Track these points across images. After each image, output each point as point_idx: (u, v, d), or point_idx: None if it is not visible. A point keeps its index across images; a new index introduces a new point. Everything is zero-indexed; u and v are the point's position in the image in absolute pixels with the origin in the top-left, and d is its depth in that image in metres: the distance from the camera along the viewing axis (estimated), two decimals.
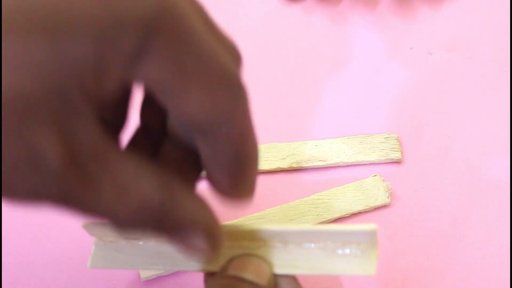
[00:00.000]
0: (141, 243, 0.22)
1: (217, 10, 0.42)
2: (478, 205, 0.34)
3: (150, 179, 0.18)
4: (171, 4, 0.16)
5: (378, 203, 0.33)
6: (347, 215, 0.33)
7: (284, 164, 0.35)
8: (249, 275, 0.21)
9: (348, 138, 0.36)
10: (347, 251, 0.22)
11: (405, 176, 0.35)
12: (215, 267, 0.23)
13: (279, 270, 0.22)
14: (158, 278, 0.31)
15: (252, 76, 0.39)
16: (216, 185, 0.21)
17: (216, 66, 0.17)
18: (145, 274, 0.31)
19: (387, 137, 0.36)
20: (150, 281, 0.32)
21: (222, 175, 0.20)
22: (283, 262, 0.22)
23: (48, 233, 0.34)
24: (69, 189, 0.16)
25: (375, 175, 0.34)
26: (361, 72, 0.39)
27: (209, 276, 0.23)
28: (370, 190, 0.34)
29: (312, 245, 0.22)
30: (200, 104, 0.17)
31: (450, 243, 0.33)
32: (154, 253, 0.23)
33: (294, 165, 0.35)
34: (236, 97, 0.18)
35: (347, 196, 0.34)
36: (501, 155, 0.35)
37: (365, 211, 0.33)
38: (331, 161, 0.35)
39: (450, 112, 0.37)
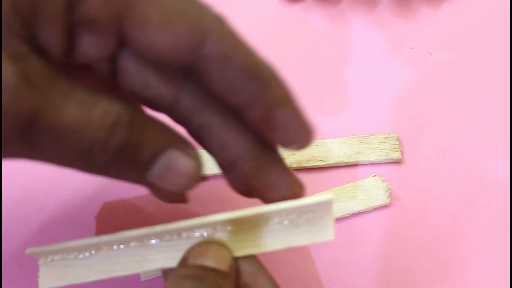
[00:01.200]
0: (87, 254, 0.22)
1: (217, 10, 0.42)
2: (478, 205, 0.34)
3: (113, 98, 0.18)
4: None
5: (378, 203, 0.33)
6: (347, 215, 0.33)
7: None
8: (210, 262, 0.21)
9: (348, 138, 0.36)
10: (303, 221, 0.22)
11: (405, 176, 0.35)
12: (172, 262, 0.22)
13: (239, 252, 0.22)
14: (159, 278, 0.31)
15: None
16: (262, 128, 0.20)
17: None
18: (145, 274, 0.31)
19: (387, 137, 0.36)
20: (150, 280, 0.32)
21: (254, 110, 0.20)
22: (241, 244, 0.22)
23: (47, 233, 0.34)
24: (31, 105, 0.17)
25: (375, 175, 0.34)
26: (361, 72, 0.39)
27: (168, 272, 0.23)
28: (370, 190, 0.34)
29: (268, 222, 0.22)
30: (165, 40, 0.18)
31: (450, 243, 0.33)
32: (106, 261, 0.22)
33: (294, 165, 0.35)
34: (198, 13, 0.19)
35: (347, 196, 0.34)
36: (501, 155, 0.35)
37: (365, 211, 0.33)
38: (331, 161, 0.35)
39: (450, 112, 0.37)
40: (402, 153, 0.35)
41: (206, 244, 0.22)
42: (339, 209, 0.33)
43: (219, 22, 0.19)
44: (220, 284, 0.20)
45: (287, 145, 0.21)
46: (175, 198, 0.22)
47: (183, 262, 0.22)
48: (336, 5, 0.42)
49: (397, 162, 0.35)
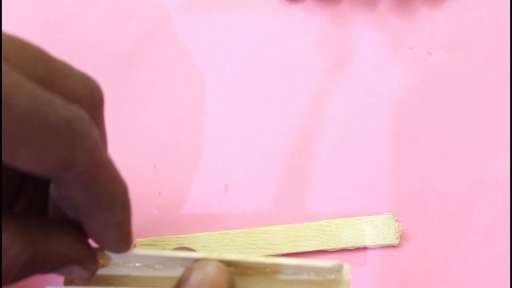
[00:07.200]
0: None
1: (218, 10, 0.42)
2: (478, 205, 0.34)
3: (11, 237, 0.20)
4: None
5: (386, 242, 0.33)
6: (352, 247, 0.33)
7: None
8: None
9: None
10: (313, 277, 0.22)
11: (405, 176, 0.35)
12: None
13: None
14: None
15: (251, 76, 0.39)
16: (91, 235, 0.22)
17: (42, 119, 0.17)
18: None
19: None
20: None
21: (90, 223, 0.21)
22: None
23: None
24: None
25: (388, 214, 0.33)
26: (361, 72, 0.39)
27: None
28: (381, 227, 0.33)
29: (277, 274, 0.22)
30: (27, 160, 0.18)
31: (450, 243, 0.33)
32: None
33: None
34: (72, 145, 0.18)
35: (356, 229, 0.33)
36: (501, 155, 0.35)
37: (371, 248, 0.33)
38: None
39: (450, 112, 0.37)
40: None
41: (203, 268, 0.22)
42: (345, 240, 0.32)
43: (90, 153, 0.19)
44: None
45: (105, 249, 0.23)
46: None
47: (181, 285, 0.22)
48: (336, 5, 0.42)
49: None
